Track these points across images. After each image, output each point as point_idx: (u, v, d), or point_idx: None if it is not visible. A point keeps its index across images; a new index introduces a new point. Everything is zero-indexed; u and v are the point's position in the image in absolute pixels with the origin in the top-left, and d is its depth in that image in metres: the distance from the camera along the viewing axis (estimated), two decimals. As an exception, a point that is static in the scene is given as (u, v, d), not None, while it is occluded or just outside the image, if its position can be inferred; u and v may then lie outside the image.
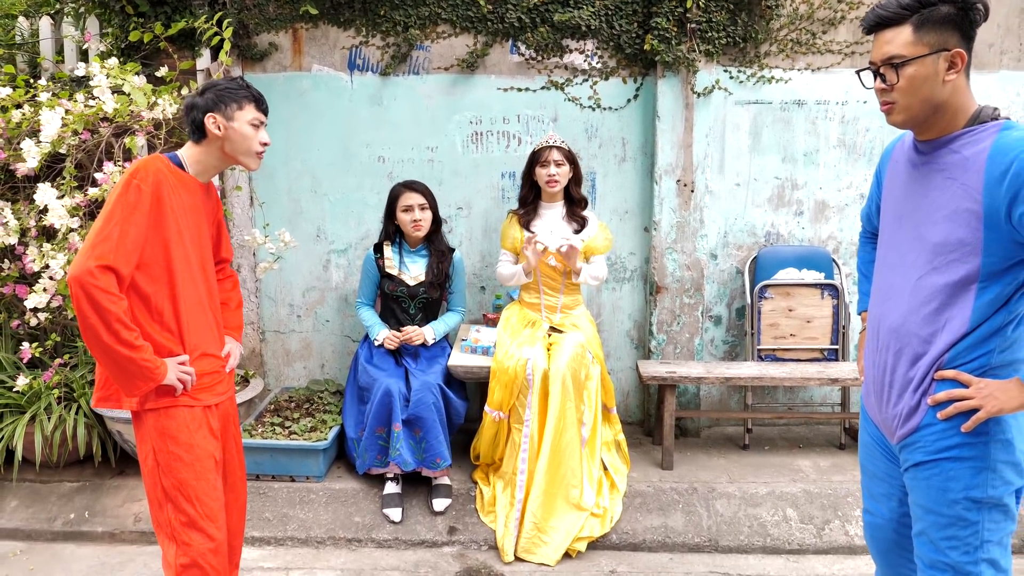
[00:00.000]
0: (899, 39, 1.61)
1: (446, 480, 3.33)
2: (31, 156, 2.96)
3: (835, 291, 3.74)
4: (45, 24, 3.84)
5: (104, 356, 1.96)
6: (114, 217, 1.95)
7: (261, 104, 2.18)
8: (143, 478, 2.14)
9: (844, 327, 3.76)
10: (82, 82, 3.63)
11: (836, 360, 3.76)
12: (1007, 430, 1.65)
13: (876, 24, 1.64)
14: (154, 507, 2.14)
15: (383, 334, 3.46)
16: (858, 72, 1.75)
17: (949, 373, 1.67)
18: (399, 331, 3.49)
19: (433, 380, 3.25)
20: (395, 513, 3.18)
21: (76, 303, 1.89)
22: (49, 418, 3.29)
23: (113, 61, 3.19)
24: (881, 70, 1.64)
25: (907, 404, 1.74)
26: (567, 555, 3.02)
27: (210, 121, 2.10)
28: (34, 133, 3.18)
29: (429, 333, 3.49)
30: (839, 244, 3.86)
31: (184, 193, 2.12)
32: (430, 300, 3.53)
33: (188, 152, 2.17)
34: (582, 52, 3.70)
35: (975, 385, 1.63)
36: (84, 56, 3.83)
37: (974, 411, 1.63)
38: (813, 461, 3.62)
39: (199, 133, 2.13)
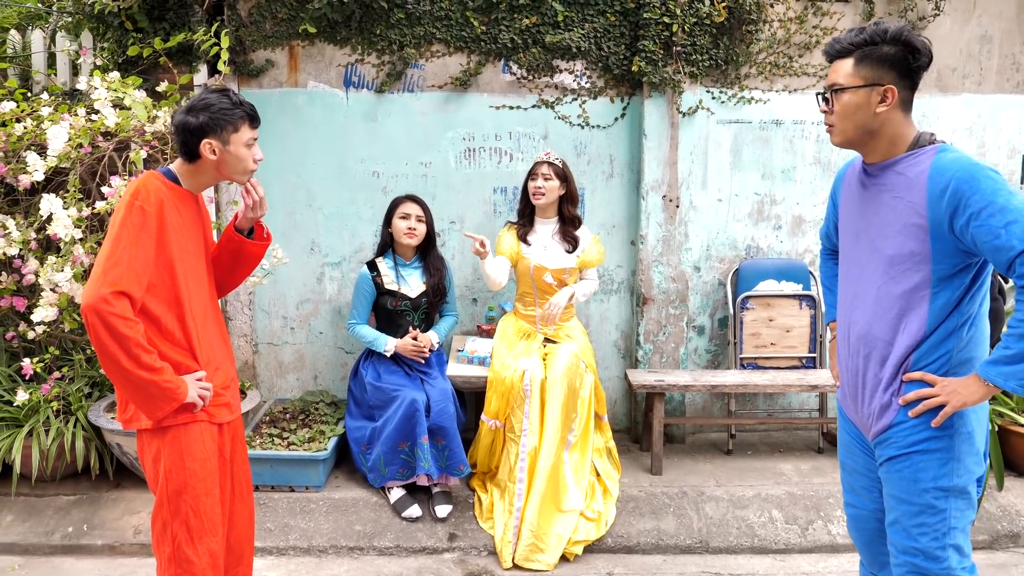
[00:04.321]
0: (842, 69, 1.83)
1: (448, 484, 3.41)
2: (36, 169, 2.98)
3: (812, 301, 3.93)
4: (37, 37, 3.85)
5: (125, 381, 1.94)
6: (121, 241, 1.92)
7: (255, 121, 2.12)
8: (155, 494, 2.12)
9: (821, 336, 3.94)
10: (75, 95, 3.66)
11: (814, 367, 3.94)
12: (968, 423, 1.84)
13: (831, 54, 1.87)
14: (156, 525, 2.12)
15: (392, 343, 3.50)
16: (817, 95, 1.95)
17: (916, 375, 1.84)
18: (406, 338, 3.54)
19: (448, 387, 3.34)
20: (415, 511, 3.26)
21: (93, 332, 1.86)
22: (47, 431, 3.28)
23: (115, 75, 3.22)
24: (827, 95, 1.87)
25: (879, 403, 1.91)
26: (564, 558, 3.11)
27: (206, 148, 2.05)
28: (36, 147, 3.19)
29: (434, 337, 3.58)
30: (815, 257, 4.06)
31: (182, 208, 2.10)
32: (431, 309, 3.62)
33: (181, 168, 2.12)
34: (572, 72, 3.84)
35: (940, 384, 1.80)
36: (76, 70, 3.85)
37: (941, 408, 1.80)
38: (794, 464, 3.78)
39: (193, 155, 2.07)
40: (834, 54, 1.85)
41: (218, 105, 2.04)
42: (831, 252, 2.35)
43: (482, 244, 3.36)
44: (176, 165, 2.13)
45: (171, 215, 2.03)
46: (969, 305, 1.82)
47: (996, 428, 3.46)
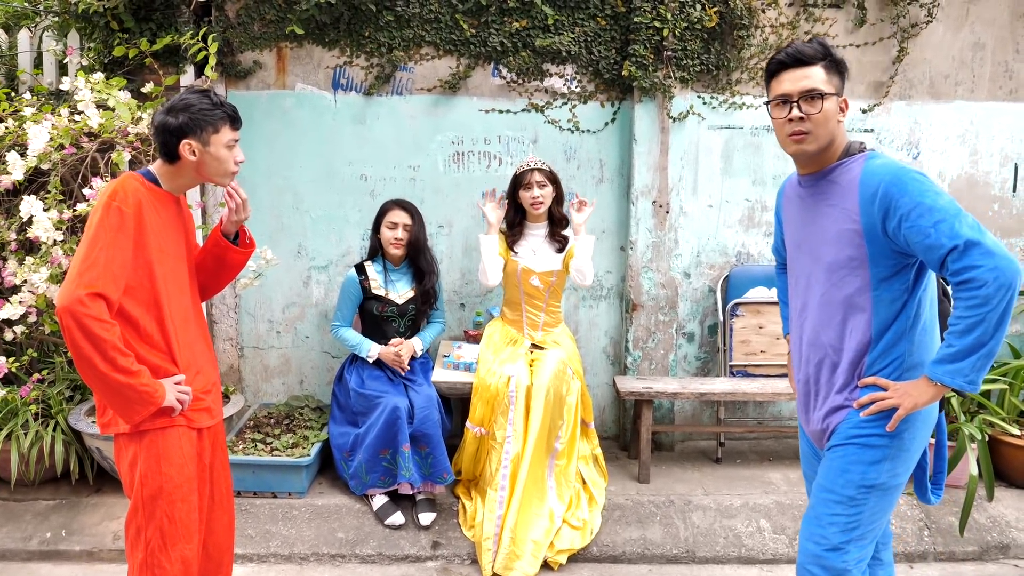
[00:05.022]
0: (816, 76, 1.84)
1: (434, 492, 3.37)
2: (15, 168, 2.94)
3: (803, 309, 3.89)
4: (23, 37, 3.82)
5: (101, 385, 1.91)
6: (98, 242, 1.89)
7: (236, 122, 2.09)
8: (130, 499, 2.09)
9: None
10: (61, 95, 3.63)
11: (804, 376, 3.90)
12: (913, 427, 1.86)
13: (796, 60, 1.86)
14: (130, 531, 2.09)
15: (375, 348, 3.47)
16: (766, 103, 1.93)
17: (869, 380, 1.87)
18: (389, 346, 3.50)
19: (433, 394, 3.30)
20: (397, 518, 3.23)
21: (68, 334, 1.84)
22: (26, 434, 3.24)
23: (99, 76, 3.19)
24: (800, 101, 1.84)
25: (831, 405, 1.95)
26: (548, 567, 3.07)
27: (185, 149, 2.02)
28: (18, 147, 3.16)
29: (418, 344, 3.54)
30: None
31: (162, 209, 2.07)
32: (418, 315, 3.58)
33: (161, 170, 2.09)
34: (562, 76, 3.81)
35: (892, 387, 1.83)
36: (63, 69, 3.82)
37: (894, 412, 1.82)
38: (783, 473, 3.75)
39: (172, 156, 2.04)
40: (803, 59, 1.85)
41: (198, 105, 2.02)
42: (783, 267, 2.36)
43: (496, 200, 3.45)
44: (156, 166, 2.10)
45: (150, 216, 2.00)
46: (915, 307, 1.85)
47: (986, 438, 3.42)
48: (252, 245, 2.36)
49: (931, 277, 1.90)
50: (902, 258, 1.81)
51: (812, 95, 1.83)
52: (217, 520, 2.33)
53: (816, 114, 1.83)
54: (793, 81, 1.85)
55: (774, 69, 1.90)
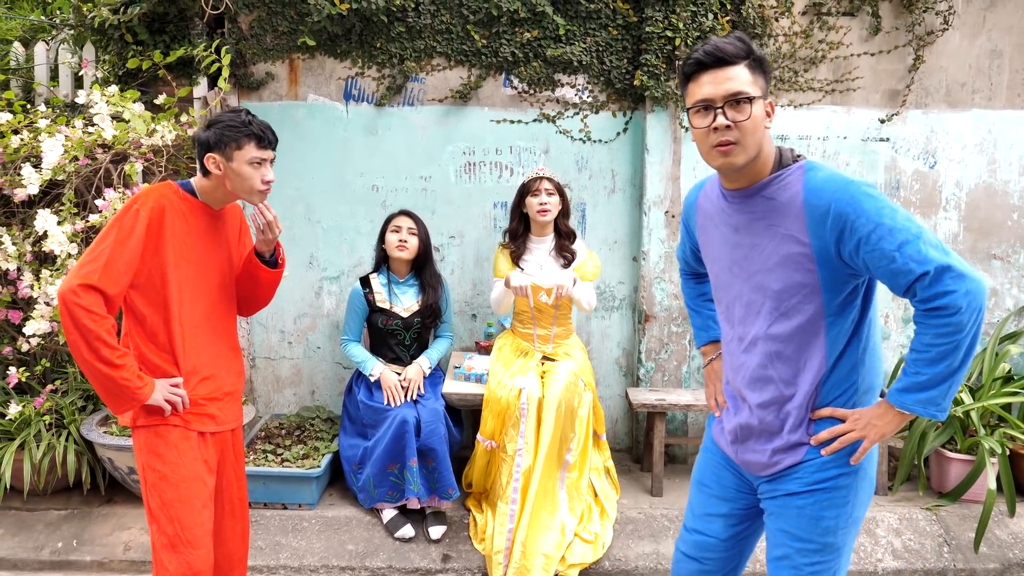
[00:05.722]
0: (741, 77, 1.60)
1: (441, 507, 3.35)
2: (31, 182, 2.97)
3: (818, 320, 3.84)
4: (40, 50, 3.86)
5: (87, 372, 2.00)
6: (107, 239, 1.99)
7: (263, 141, 2.11)
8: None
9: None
10: (77, 108, 3.66)
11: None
12: (872, 455, 1.77)
13: (717, 60, 1.61)
14: (151, 533, 2.15)
15: (378, 368, 3.43)
16: (686, 110, 1.73)
17: (825, 412, 1.73)
18: (395, 370, 3.48)
19: (440, 408, 3.28)
20: (407, 531, 3.21)
21: (62, 320, 1.94)
22: (39, 445, 3.26)
23: (113, 88, 3.22)
24: (725, 107, 1.61)
25: (783, 443, 1.78)
26: (560, 582, 3.04)
27: (210, 162, 2.10)
28: (32, 159, 3.19)
29: (425, 364, 3.49)
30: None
31: (193, 219, 2.14)
32: (424, 330, 3.56)
33: (198, 182, 2.19)
34: (573, 86, 3.80)
35: (851, 418, 1.70)
36: (79, 82, 3.85)
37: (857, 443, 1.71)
38: (799, 487, 3.68)
39: (204, 169, 2.13)
40: (724, 58, 1.60)
41: (227, 122, 2.09)
42: (690, 274, 2.23)
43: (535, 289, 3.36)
44: (195, 178, 2.20)
45: (174, 223, 2.08)
46: (865, 328, 1.71)
47: (1008, 452, 3.36)
48: (281, 265, 2.39)
49: (875, 294, 1.74)
50: (854, 279, 1.65)
51: (738, 99, 1.59)
52: (229, 529, 2.35)
53: (744, 121, 1.60)
54: (715, 84, 1.60)
55: (691, 71, 1.65)
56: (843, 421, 1.72)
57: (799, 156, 1.70)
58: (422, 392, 3.38)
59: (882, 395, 1.77)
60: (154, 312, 2.09)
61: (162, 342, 2.11)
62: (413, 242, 3.45)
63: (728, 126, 1.61)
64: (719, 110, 1.61)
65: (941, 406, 1.60)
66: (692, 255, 2.12)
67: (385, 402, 3.31)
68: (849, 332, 1.69)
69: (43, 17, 4.06)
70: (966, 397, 3.57)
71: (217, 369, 2.24)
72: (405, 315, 3.48)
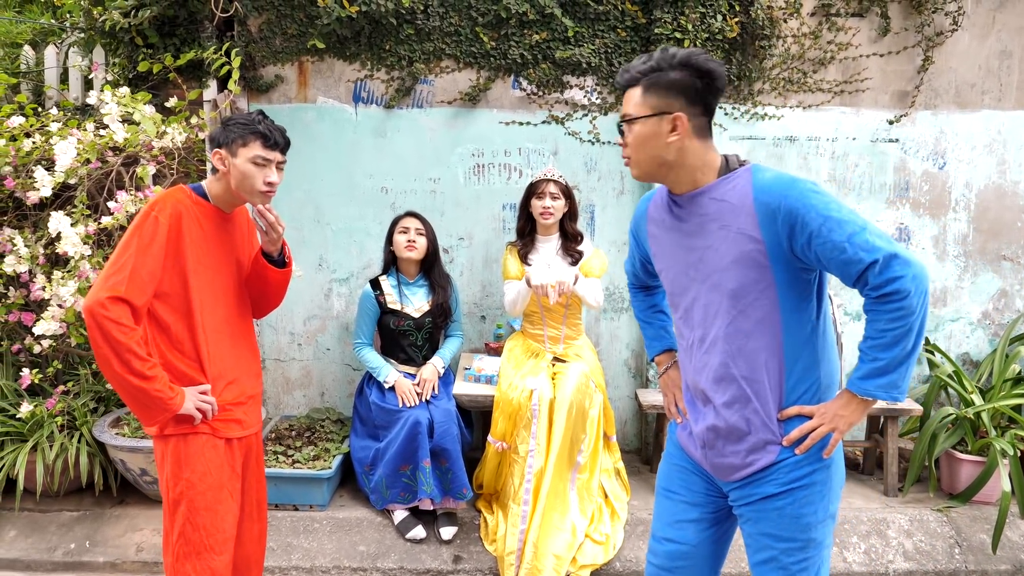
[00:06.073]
0: (632, 99, 1.74)
1: (454, 508, 3.35)
2: (44, 184, 2.98)
3: (827, 321, 3.84)
4: (50, 53, 3.88)
5: (118, 385, 1.97)
6: (129, 248, 1.98)
7: (268, 140, 2.09)
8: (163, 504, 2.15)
9: (836, 356, 3.85)
10: (87, 110, 3.68)
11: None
12: (840, 447, 1.82)
13: (621, 85, 1.78)
14: (163, 535, 2.15)
15: (392, 376, 3.42)
16: (618, 125, 1.83)
17: (792, 411, 1.77)
18: (408, 370, 3.49)
19: (453, 408, 3.29)
20: (419, 532, 3.22)
21: (90, 333, 1.92)
22: (51, 446, 3.27)
23: (125, 90, 3.23)
24: (620, 126, 1.78)
25: (751, 444, 1.80)
26: (571, 583, 3.05)
27: (216, 157, 2.10)
28: (44, 161, 3.20)
29: (439, 364, 3.51)
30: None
31: (207, 223, 2.14)
32: (435, 329, 3.57)
33: (209, 183, 2.19)
34: (582, 88, 3.81)
35: (818, 413, 1.75)
36: (88, 85, 3.87)
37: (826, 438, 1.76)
38: (808, 488, 3.68)
39: (214, 167, 2.14)
40: (624, 84, 1.76)
41: (237, 120, 2.10)
42: (639, 287, 2.27)
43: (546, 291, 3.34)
44: (207, 181, 2.19)
45: (190, 228, 2.07)
46: (821, 323, 1.77)
47: (1019, 453, 3.35)
48: (288, 265, 2.38)
49: (827, 286, 1.81)
50: (806, 274, 1.72)
51: (627, 119, 1.75)
52: (247, 532, 2.35)
53: (629, 139, 1.75)
54: (624, 105, 1.78)
55: (620, 94, 1.84)
56: (810, 418, 1.76)
57: (744, 161, 1.78)
58: (436, 392, 3.39)
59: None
60: (179, 320, 2.08)
61: (188, 350, 2.10)
62: (421, 242, 3.45)
63: (621, 144, 1.79)
64: (620, 130, 1.80)
65: (901, 388, 1.67)
66: (642, 267, 2.16)
67: (400, 404, 3.31)
68: (805, 328, 1.75)
69: (53, 21, 4.07)
70: (977, 399, 3.57)
71: (240, 373, 2.24)
72: (416, 315, 3.49)
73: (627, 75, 1.75)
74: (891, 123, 3.84)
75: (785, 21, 3.75)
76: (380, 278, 3.54)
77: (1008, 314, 3.98)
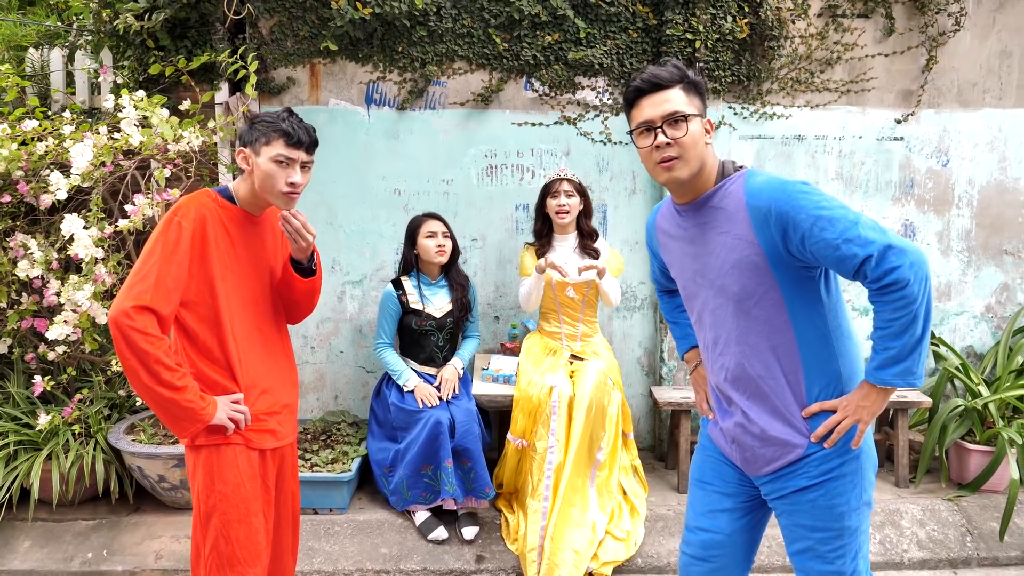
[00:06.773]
0: (677, 99, 1.76)
1: (475, 508, 3.36)
2: (59, 187, 2.94)
3: (836, 317, 3.89)
4: (56, 56, 3.83)
5: (147, 397, 1.91)
6: (153, 255, 1.90)
7: (291, 138, 2.00)
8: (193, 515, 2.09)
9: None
10: (94, 113, 3.63)
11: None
12: (870, 435, 1.85)
13: (654, 85, 1.77)
14: (193, 549, 2.09)
15: (413, 381, 3.41)
16: (629, 132, 1.85)
17: (815, 407, 1.80)
18: (428, 371, 3.50)
19: (473, 408, 3.29)
20: (441, 533, 3.21)
21: (116, 345, 1.85)
22: (66, 455, 3.22)
23: (141, 94, 3.20)
24: (664, 127, 1.75)
25: (777, 440, 1.83)
26: (594, 580, 3.06)
27: (240, 157, 2.05)
28: (58, 166, 3.16)
29: (459, 364, 3.52)
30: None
31: (233, 227, 2.06)
32: (456, 329, 3.58)
33: (236, 185, 2.11)
34: (594, 89, 3.83)
35: (840, 407, 1.77)
36: (96, 88, 3.82)
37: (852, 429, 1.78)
38: (822, 482, 3.73)
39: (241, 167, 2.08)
40: (666, 81, 1.76)
41: (264, 119, 2.03)
42: (665, 292, 2.34)
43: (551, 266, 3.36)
44: (235, 183, 2.11)
45: (216, 232, 2.00)
46: (834, 317, 1.79)
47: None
48: (316, 272, 2.28)
49: (836, 280, 1.83)
50: (807, 271, 1.75)
51: (675, 118, 1.74)
52: (278, 542, 2.28)
53: (682, 137, 1.74)
54: (654, 106, 1.76)
55: (632, 97, 1.81)
56: (834, 412, 1.79)
57: (741, 166, 1.82)
58: (456, 393, 3.39)
59: None
60: (206, 328, 2.00)
61: (218, 358, 2.03)
62: (449, 245, 3.47)
63: (668, 143, 1.75)
64: (659, 129, 1.76)
65: (916, 374, 1.69)
66: (661, 273, 2.25)
67: (420, 405, 3.31)
68: (818, 324, 1.77)
69: (59, 23, 4.02)
70: (983, 390, 3.64)
71: (274, 381, 2.16)
72: (438, 315, 3.49)
73: (664, 75, 1.76)
74: (898, 122, 3.91)
75: (793, 22, 3.80)
76: (402, 278, 3.53)
77: (1010, 307, 4.06)
